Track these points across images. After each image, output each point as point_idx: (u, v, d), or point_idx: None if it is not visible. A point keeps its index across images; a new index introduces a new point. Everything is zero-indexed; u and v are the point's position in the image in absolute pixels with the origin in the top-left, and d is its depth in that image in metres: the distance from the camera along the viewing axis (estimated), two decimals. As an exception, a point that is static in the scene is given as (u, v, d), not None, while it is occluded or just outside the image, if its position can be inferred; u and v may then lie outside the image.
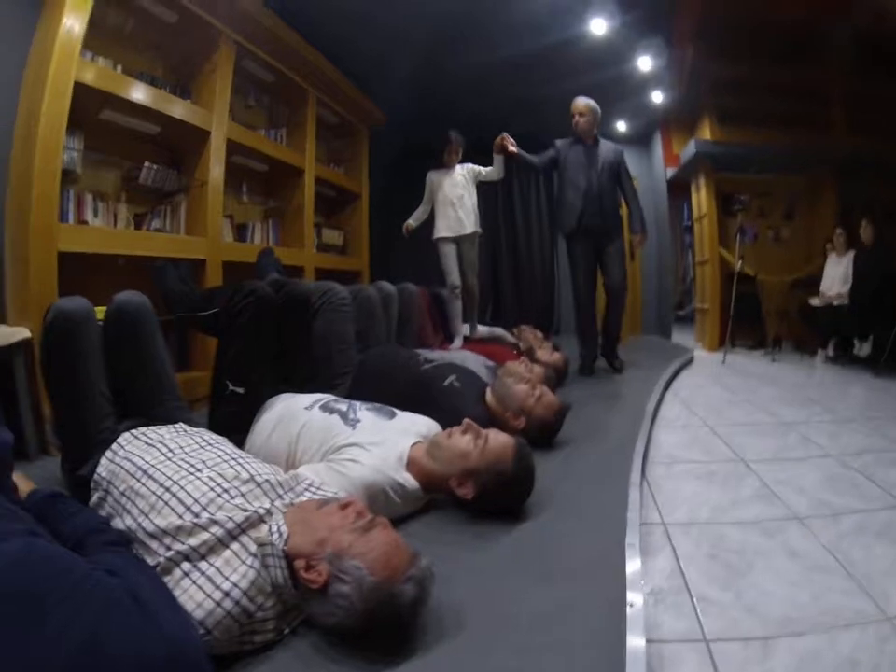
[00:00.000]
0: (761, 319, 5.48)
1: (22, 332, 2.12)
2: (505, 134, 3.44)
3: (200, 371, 2.95)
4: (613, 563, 1.21)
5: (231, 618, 0.92)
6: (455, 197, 3.56)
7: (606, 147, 3.65)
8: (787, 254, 5.86)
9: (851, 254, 4.90)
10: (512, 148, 3.45)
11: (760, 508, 1.68)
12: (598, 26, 4.16)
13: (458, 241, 3.60)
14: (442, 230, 3.58)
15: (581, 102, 3.57)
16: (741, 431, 2.50)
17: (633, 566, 1.19)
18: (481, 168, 3.65)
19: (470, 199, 3.61)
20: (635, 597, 1.06)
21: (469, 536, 1.39)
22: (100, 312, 1.49)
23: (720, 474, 1.97)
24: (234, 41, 3.30)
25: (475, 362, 2.59)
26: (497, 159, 3.54)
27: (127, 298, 1.53)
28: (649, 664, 0.91)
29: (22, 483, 1.26)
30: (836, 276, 5.00)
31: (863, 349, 4.57)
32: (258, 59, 3.64)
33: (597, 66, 4.45)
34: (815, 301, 5.09)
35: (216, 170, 3.20)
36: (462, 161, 3.66)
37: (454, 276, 3.57)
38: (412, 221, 3.79)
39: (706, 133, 5.50)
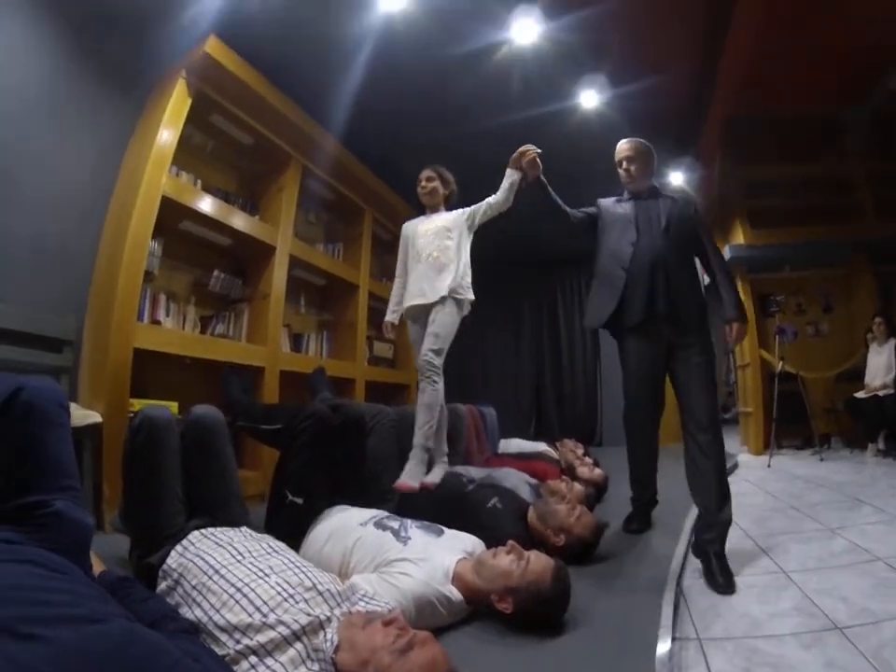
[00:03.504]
0: (806, 418, 5.28)
1: (94, 417, 2.31)
2: (531, 147, 2.38)
3: (250, 471, 3.09)
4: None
5: None
6: (426, 253, 2.52)
7: (669, 199, 2.45)
8: (828, 348, 5.77)
9: (893, 342, 4.84)
10: (535, 170, 2.38)
11: (798, 620, 1.64)
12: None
13: (425, 307, 2.52)
14: (406, 300, 2.60)
15: (625, 144, 2.46)
16: (784, 540, 2.42)
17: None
18: (479, 205, 2.57)
19: (456, 255, 2.51)
20: None
21: (507, 647, 1.46)
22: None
23: (758, 587, 1.93)
24: (301, 163, 3.69)
25: (517, 479, 2.66)
26: (510, 177, 2.48)
27: (204, 412, 1.71)
28: None
29: (95, 562, 1.36)
30: (880, 366, 4.89)
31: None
32: (320, 179, 4.00)
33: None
34: (860, 394, 4.95)
35: (278, 282, 3.47)
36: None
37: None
38: (388, 314, 2.76)
39: (739, 237, 5.65)
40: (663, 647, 1.39)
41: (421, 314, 2.55)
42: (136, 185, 2.64)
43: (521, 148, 2.39)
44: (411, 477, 2.28)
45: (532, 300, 7.19)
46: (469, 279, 2.55)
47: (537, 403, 6.92)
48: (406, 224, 2.74)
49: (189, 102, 2.86)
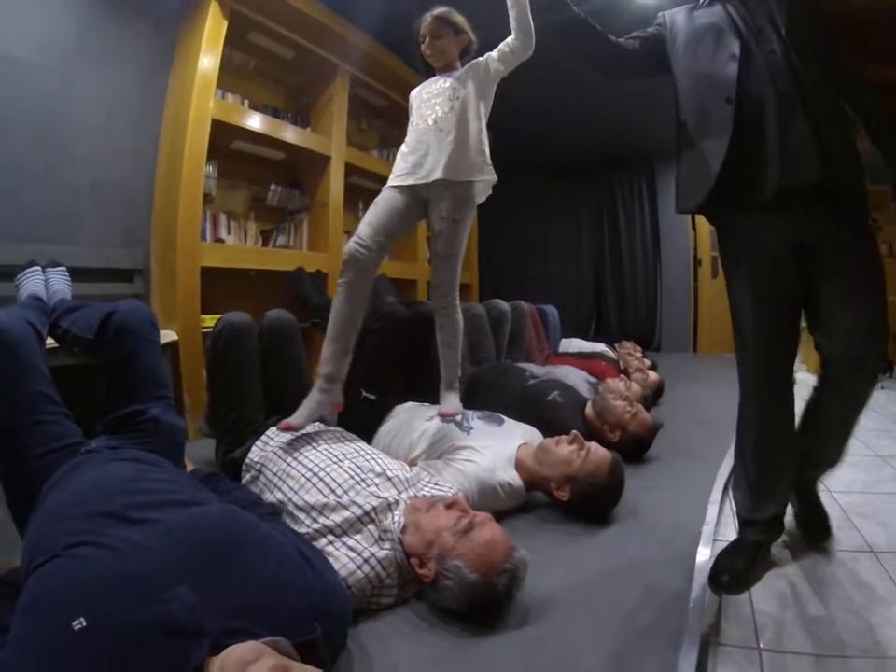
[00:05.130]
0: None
1: (171, 335, 2.46)
2: None
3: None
4: (683, 567, 1.37)
5: (367, 579, 1.14)
6: (425, 116, 1.85)
7: None
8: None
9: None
10: None
11: (835, 538, 1.69)
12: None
13: (416, 192, 1.82)
14: (394, 171, 1.88)
15: None
16: (833, 462, 2.43)
17: (701, 572, 1.34)
18: (490, 53, 1.84)
19: (465, 120, 1.79)
20: (698, 594, 1.23)
21: (560, 533, 1.58)
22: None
23: None
24: (348, 72, 3.59)
25: (577, 377, 2.74)
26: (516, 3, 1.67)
27: (277, 315, 1.81)
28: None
29: (186, 463, 1.52)
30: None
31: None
32: (369, 87, 3.91)
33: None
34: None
35: (335, 191, 3.49)
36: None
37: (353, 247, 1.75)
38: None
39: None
40: (704, 548, 1.47)
41: (409, 198, 1.82)
42: (185, 113, 2.66)
43: None
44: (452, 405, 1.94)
45: (591, 198, 6.98)
46: (486, 154, 1.85)
47: (597, 305, 6.89)
48: (413, 92, 1.98)
49: (226, 24, 2.78)
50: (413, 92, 1.97)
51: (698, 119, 1.40)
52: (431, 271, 1.94)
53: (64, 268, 2.01)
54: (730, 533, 1.61)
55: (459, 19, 1.84)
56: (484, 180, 1.83)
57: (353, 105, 3.80)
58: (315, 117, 3.60)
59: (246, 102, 3.20)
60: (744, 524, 1.48)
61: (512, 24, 1.70)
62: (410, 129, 1.90)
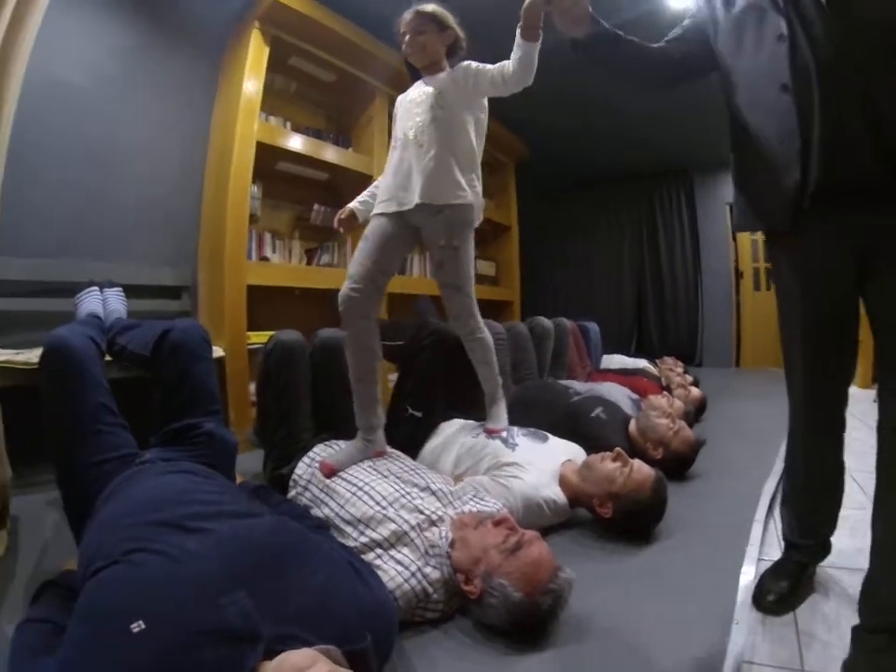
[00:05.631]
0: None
1: (217, 351, 2.51)
2: None
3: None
4: (727, 587, 1.34)
5: (413, 593, 1.14)
6: (406, 129, 1.68)
7: None
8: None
9: None
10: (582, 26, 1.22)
11: None
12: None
13: (404, 219, 1.67)
14: (379, 196, 1.75)
15: None
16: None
17: (745, 592, 1.32)
18: (484, 66, 1.60)
19: (448, 133, 1.62)
20: (741, 617, 1.20)
21: (603, 550, 1.58)
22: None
23: (849, 520, 1.88)
24: (386, 93, 3.64)
25: (619, 393, 2.72)
26: (530, 50, 1.46)
27: (329, 335, 1.84)
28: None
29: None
30: None
31: None
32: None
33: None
34: None
35: None
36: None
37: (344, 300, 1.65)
38: (354, 202, 1.92)
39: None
40: (748, 567, 1.45)
41: (398, 226, 1.67)
42: (230, 136, 2.75)
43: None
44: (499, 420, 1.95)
45: (630, 212, 6.94)
46: (475, 173, 1.66)
47: (638, 320, 6.85)
48: (398, 97, 1.82)
49: (267, 50, 2.88)
50: (399, 98, 1.75)
51: (753, 113, 1.20)
52: (444, 302, 1.80)
53: (120, 288, 2.09)
54: (774, 552, 1.57)
55: (444, 13, 1.65)
56: (468, 203, 1.64)
57: (391, 124, 3.85)
58: (356, 137, 3.67)
59: (289, 124, 3.29)
60: (789, 545, 1.42)
61: (514, 58, 1.50)
62: (391, 143, 1.72)
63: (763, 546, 1.63)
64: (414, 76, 1.75)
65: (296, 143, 3.09)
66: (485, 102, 1.72)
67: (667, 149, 5.80)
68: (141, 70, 2.73)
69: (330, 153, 3.29)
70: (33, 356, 1.98)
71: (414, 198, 1.59)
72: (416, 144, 1.61)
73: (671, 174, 6.57)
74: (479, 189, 1.68)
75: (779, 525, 1.55)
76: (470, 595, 1.14)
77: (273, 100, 3.22)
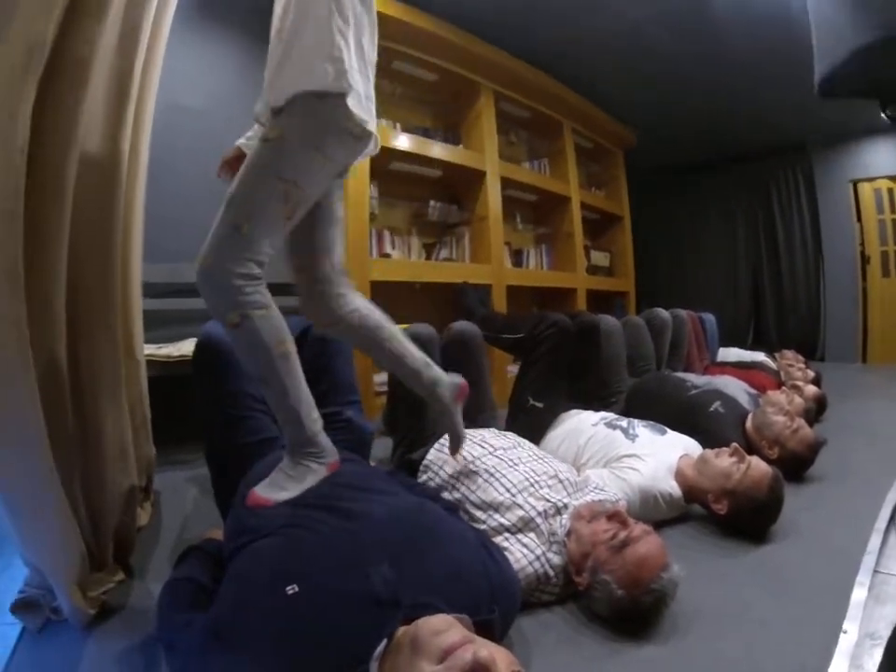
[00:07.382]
0: None
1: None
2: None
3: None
4: (838, 594, 1.29)
5: (535, 575, 1.21)
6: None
7: None
8: None
9: None
10: None
11: None
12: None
13: None
14: None
15: None
16: None
17: (857, 603, 1.26)
18: None
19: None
20: (850, 627, 1.16)
21: (715, 546, 1.57)
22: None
23: None
24: (491, 89, 3.74)
25: (737, 388, 2.64)
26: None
27: (463, 327, 1.95)
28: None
29: None
30: None
31: None
32: (512, 100, 4.02)
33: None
34: None
35: (493, 204, 3.66)
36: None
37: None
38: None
39: None
40: (863, 577, 1.38)
41: None
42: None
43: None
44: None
45: (744, 195, 6.56)
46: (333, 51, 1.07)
47: (755, 311, 6.46)
48: None
49: None
50: None
51: None
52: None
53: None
54: (893, 565, 1.50)
55: None
56: None
57: (499, 119, 3.93)
58: (466, 133, 3.78)
59: (398, 125, 3.45)
60: None
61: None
62: None
63: (882, 557, 1.54)
64: None
65: (407, 142, 3.24)
66: None
67: (781, 123, 5.37)
68: (249, 89, 2.85)
69: (441, 150, 3.42)
70: (173, 349, 2.25)
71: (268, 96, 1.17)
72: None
73: (786, 151, 6.07)
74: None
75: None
76: (578, 587, 1.21)
77: (379, 103, 3.30)
